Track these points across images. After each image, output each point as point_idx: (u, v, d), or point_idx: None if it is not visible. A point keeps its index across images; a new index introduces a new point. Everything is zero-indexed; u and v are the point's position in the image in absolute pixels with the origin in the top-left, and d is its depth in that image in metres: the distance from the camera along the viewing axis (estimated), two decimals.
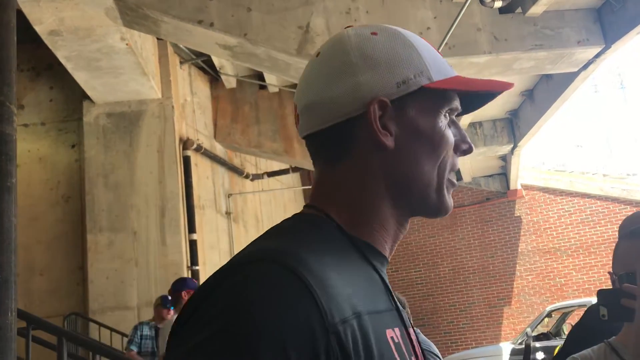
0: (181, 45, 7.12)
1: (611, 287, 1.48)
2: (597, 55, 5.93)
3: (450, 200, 0.81)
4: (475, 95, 0.84)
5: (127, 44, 5.52)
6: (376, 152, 0.75)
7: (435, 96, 0.77)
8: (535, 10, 5.54)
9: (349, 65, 0.76)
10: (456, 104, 0.80)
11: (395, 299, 0.78)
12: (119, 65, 5.95)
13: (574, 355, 1.57)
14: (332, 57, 0.78)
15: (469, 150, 0.82)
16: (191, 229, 6.87)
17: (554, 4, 5.58)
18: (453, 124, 0.81)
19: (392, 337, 0.69)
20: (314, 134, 0.79)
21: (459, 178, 12.87)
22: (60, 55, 5.53)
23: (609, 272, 1.54)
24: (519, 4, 5.62)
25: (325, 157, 0.79)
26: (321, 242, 0.71)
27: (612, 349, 1.52)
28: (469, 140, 0.82)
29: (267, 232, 0.74)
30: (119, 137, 6.92)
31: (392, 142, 0.75)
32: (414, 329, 0.82)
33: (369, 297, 0.69)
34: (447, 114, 0.79)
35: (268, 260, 0.63)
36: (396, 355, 0.67)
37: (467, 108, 0.86)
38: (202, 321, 0.60)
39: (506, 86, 0.80)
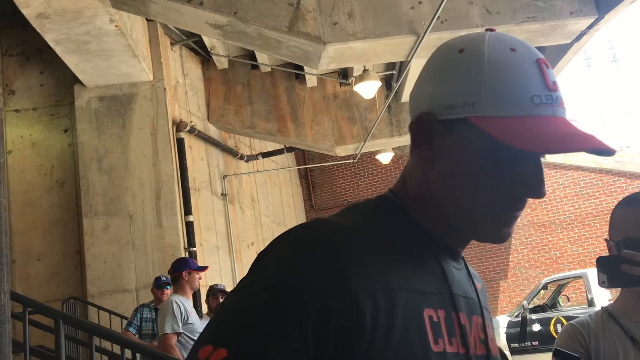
0: (171, 26, 7.05)
1: (609, 255, 1.49)
2: (590, 27, 5.90)
3: (498, 232, 0.79)
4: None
5: (116, 26, 5.46)
6: (423, 158, 0.81)
7: (483, 132, 0.73)
8: None
9: (425, 74, 0.82)
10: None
11: (462, 288, 0.83)
12: (108, 48, 5.89)
13: (572, 322, 1.59)
14: (428, 59, 0.84)
15: (531, 196, 0.77)
16: (187, 210, 6.88)
17: None
18: (525, 158, 0.75)
19: (430, 316, 0.74)
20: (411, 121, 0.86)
21: None
22: (49, 38, 5.47)
23: (605, 239, 1.55)
24: None
25: (411, 145, 0.84)
26: (379, 224, 0.79)
27: (609, 315, 1.53)
28: (536, 184, 0.76)
29: (347, 207, 0.84)
30: (112, 120, 6.87)
31: (430, 155, 0.79)
32: (483, 319, 0.86)
33: (412, 278, 0.75)
34: (505, 149, 0.73)
35: (316, 228, 0.74)
36: (429, 332, 0.73)
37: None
38: (269, 261, 0.74)
39: (570, 147, 0.72)
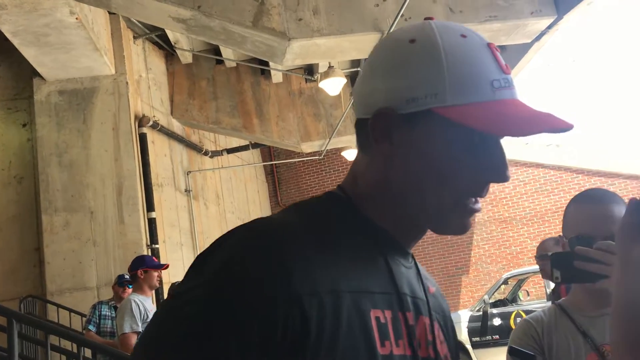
0: (134, 20, 6.94)
1: (563, 251, 1.51)
2: (550, 26, 6.02)
3: (461, 223, 0.79)
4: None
5: (76, 18, 5.34)
6: (382, 156, 0.79)
7: (448, 122, 0.73)
8: None
9: (376, 68, 0.79)
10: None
11: (410, 288, 0.81)
12: (69, 41, 5.76)
13: (526, 317, 1.62)
14: (373, 53, 0.82)
15: (497, 181, 0.77)
16: (150, 207, 6.78)
17: None
18: (488, 144, 0.76)
19: (377, 317, 0.72)
20: (356, 119, 0.84)
21: None
22: (6, 30, 5.32)
23: (559, 236, 1.58)
24: None
25: (358, 143, 0.83)
26: (326, 222, 0.77)
27: (562, 310, 1.57)
28: (503, 172, 0.76)
29: (292, 205, 0.81)
30: (72, 115, 6.73)
31: (392, 151, 0.77)
32: (431, 319, 0.84)
33: (359, 278, 0.73)
34: (472, 137, 0.74)
35: (256, 229, 0.72)
36: (375, 334, 0.71)
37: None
38: (208, 267, 0.70)
39: (535, 129, 0.72)
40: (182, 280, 0.72)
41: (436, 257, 12.99)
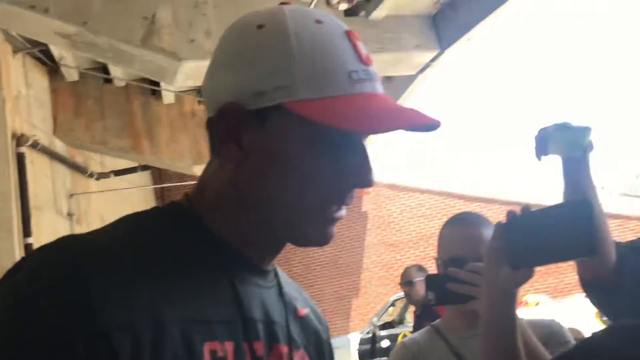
0: (13, 33, 6.55)
1: (437, 273, 1.57)
2: (433, 60, 6.37)
3: (322, 234, 0.71)
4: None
5: None
6: (230, 159, 0.70)
7: (302, 118, 0.65)
8: (378, 14, 5.82)
9: (219, 59, 0.72)
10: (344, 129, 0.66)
11: (265, 312, 0.72)
12: None
13: (403, 340, 1.67)
14: (221, 40, 0.74)
15: (363, 185, 0.70)
16: (27, 232, 6.35)
17: (394, 9, 5.90)
18: (349, 146, 0.69)
19: (214, 351, 0.63)
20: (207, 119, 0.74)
21: None
22: None
23: (434, 258, 1.64)
24: (363, 7, 5.87)
25: (209, 147, 0.74)
26: (157, 237, 0.67)
27: (437, 332, 1.63)
28: (367, 175, 0.69)
29: (121, 218, 0.73)
30: None
31: (238, 154, 0.68)
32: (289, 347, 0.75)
33: (192, 305, 0.63)
34: (330, 137, 0.66)
35: (54, 246, 0.62)
36: None
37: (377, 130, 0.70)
38: None
39: (397, 125, 0.66)
40: None
41: (325, 279, 13.14)
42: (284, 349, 0.73)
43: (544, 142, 1.51)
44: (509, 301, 1.15)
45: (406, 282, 5.25)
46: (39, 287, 0.58)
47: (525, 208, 1.11)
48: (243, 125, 0.68)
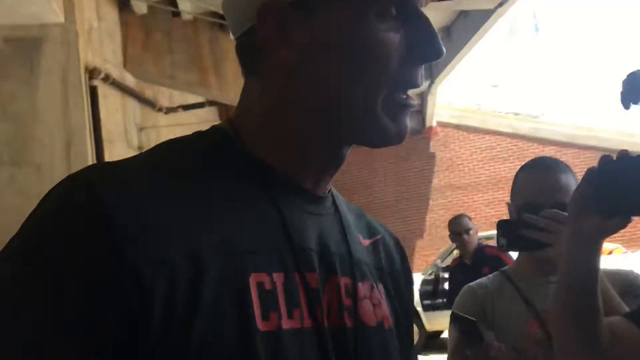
0: None
1: (510, 219, 1.52)
2: None
3: (397, 125, 0.64)
4: None
5: None
6: (280, 68, 0.63)
7: None
8: None
9: None
10: None
11: (320, 241, 0.65)
12: None
13: (471, 284, 1.62)
14: None
15: (432, 57, 0.64)
16: (99, 163, 6.60)
17: None
18: (411, 19, 0.63)
19: (261, 283, 0.57)
20: (236, 41, 0.68)
21: None
22: None
23: (507, 203, 1.58)
24: None
25: (243, 68, 0.69)
26: (192, 163, 0.61)
27: (507, 278, 1.57)
28: (436, 42, 0.63)
29: (160, 144, 0.67)
30: (19, 64, 6.43)
31: (294, 55, 0.62)
32: (354, 280, 0.67)
33: (234, 234, 0.57)
34: (392, 8, 0.61)
35: (73, 177, 0.57)
36: (255, 305, 0.55)
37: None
38: (21, 230, 0.57)
39: None
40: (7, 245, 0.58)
41: (391, 220, 13.13)
42: (344, 280, 0.66)
43: (635, 88, 1.37)
44: (594, 251, 1.08)
45: (465, 229, 5.13)
46: (60, 219, 0.54)
47: (623, 152, 1.02)
48: (289, 21, 0.61)
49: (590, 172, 1.05)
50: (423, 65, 0.65)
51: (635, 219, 1.02)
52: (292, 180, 0.65)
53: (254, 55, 0.65)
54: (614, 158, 1.04)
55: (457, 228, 5.20)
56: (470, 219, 5.42)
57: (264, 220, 0.61)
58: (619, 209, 1.02)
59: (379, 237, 0.77)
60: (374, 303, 0.68)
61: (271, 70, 0.64)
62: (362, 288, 0.68)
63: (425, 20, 0.63)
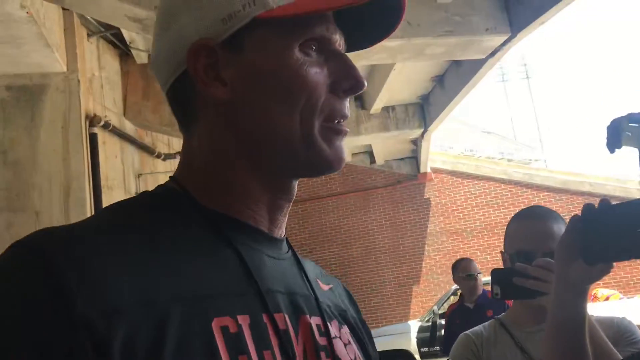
0: (88, 17, 6.79)
1: (503, 267, 1.53)
2: (504, 44, 6.17)
3: (334, 150, 0.65)
4: (354, 17, 0.67)
5: (27, 13, 5.18)
6: (216, 107, 0.65)
7: (281, 27, 0.63)
8: None
9: (167, 12, 0.67)
10: (320, 31, 0.64)
11: (283, 283, 0.65)
12: (18, 35, 5.58)
13: (467, 332, 1.64)
14: (160, 4, 0.69)
15: (355, 87, 0.66)
16: (98, 209, 6.61)
17: None
18: (331, 57, 0.66)
19: (225, 327, 0.55)
20: (166, 94, 0.69)
21: (372, 161, 13.11)
22: None
23: (500, 252, 1.60)
24: None
25: (178, 121, 0.70)
26: (142, 219, 0.61)
27: (501, 325, 1.59)
28: (355, 74, 0.66)
29: (106, 207, 0.66)
30: (20, 111, 6.52)
31: (227, 92, 0.64)
32: (322, 318, 0.68)
33: (196, 281, 0.56)
34: (313, 46, 0.64)
35: (20, 242, 0.56)
36: (221, 349, 0.54)
37: (362, 41, 0.71)
38: None
39: None
40: None
41: (388, 266, 13.08)
42: (315, 320, 0.65)
43: (617, 134, 1.43)
44: (580, 298, 1.11)
45: (467, 275, 5.11)
46: (10, 284, 0.52)
47: (604, 201, 1.06)
48: (221, 58, 0.64)
49: (574, 220, 1.08)
50: (349, 97, 0.67)
51: (633, 264, 1.05)
52: (247, 224, 0.65)
53: (187, 102, 0.66)
54: (595, 206, 1.06)
55: (467, 271, 5.12)
56: (472, 261, 5.40)
57: (223, 265, 0.60)
58: (601, 256, 1.04)
59: (332, 285, 0.77)
60: (345, 342, 0.69)
61: (206, 111, 0.66)
62: (332, 328, 0.68)
63: (344, 57, 0.66)
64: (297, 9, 0.61)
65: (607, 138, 1.45)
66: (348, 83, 0.65)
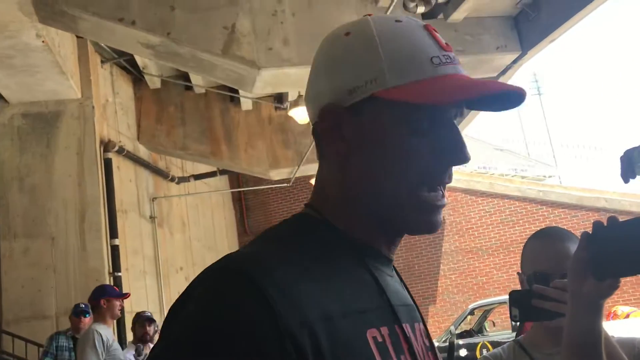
0: (102, 44, 6.90)
1: (521, 289, 1.53)
2: (515, 61, 6.18)
3: (428, 220, 0.74)
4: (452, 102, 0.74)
5: (43, 42, 5.28)
6: (336, 156, 0.76)
7: (393, 104, 0.71)
8: (457, 16, 5.71)
9: (316, 69, 0.79)
10: (432, 108, 0.72)
11: (399, 297, 0.78)
12: (34, 64, 5.68)
13: (485, 354, 1.62)
14: (316, 53, 0.80)
15: (459, 161, 0.74)
16: (113, 234, 6.65)
17: (473, 11, 5.77)
18: (442, 126, 0.73)
19: (374, 337, 0.68)
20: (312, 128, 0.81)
21: None
22: None
23: (517, 273, 1.59)
24: (441, 10, 5.78)
25: (317, 153, 0.81)
26: (302, 245, 0.72)
27: (520, 347, 1.57)
28: (459, 148, 0.73)
29: (261, 234, 0.76)
30: (36, 138, 6.61)
31: (345, 147, 0.74)
32: (423, 323, 0.83)
33: (348, 298, 0.68)
34: (422, 123, 0.72)
35: (227, 268, 0.65)
36: (376, 356, 0.66)
37: (476, 106, 0.78)
38: (177, 323, 0.65)
39: (479, 91, 0.72)
40: (155, 343, 0.67)
41: None
42: (421, 326, 0.80)
43: (631, 164, 1.44)
44: (594, 314, 1.10)
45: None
46: (221, 310, 0.62)
47: (612, 218, 1.06)
48: (344, 121, 0.74)
49: (584, 237, 1.09)
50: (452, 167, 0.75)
51: None
52: (373, 248, 0.77)
53: (319, 144, 0.78)
54: (604, 223, 1.07)
55: None
56: None
57: (364, 285, 0.72)
58: (610, 272, 1.06)
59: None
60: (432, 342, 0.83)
61: (331, 157, 0.77)
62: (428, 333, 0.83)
63: (455, 130, 0.74)
64: (409, 96, 0.70)
65: (622, 168, 1.46)
66: (453, 157, 0.74)
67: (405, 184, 0.73)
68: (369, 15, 0.80)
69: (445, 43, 0.75)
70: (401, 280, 0.84)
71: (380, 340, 0.68)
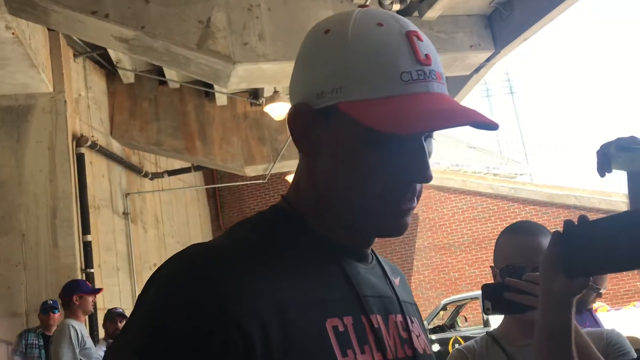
0: (75, 37, 6.79)
1: (494, 282, 1.55)
2: (488, 60, 6.26)
3: (394, 225, 0.73)
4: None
5: (12, 34, 5.17)
6: (305, 156, 0.77)
7: (354, 120, 0.69)
8: (431, 14, 5.76)
9: (296, 64, 0.77)
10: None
11: (374, 289, 0.77)
12: (4, 56, 5.56)
13: (459, 347, 1.65)
14: (299, 48, 0.79)
15: (417, 180, 0.72)
16: (85, 230, 6.56)
17: (448, 9, 5.83)
18: (405, 146, 0.70)
19: (335, 326, 0.68)
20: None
21: None
22: None
23: (490, 266, 1.62)
24: (416, 7, 5.82)
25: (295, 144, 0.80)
26: (269, 236, 0.72)
27: (493, 340, 1.60)
28: (420, 169, 0.70)
29: (235, 224, 0.77)
30: (5, 132, 6.48)
31: (312, 150, 0.74)
32: (420, 319, 0.84)
33: (309, 289, 0.69)
34: (385, 138, 0.69)
35: (186, 256, 0.67)
36: (334, 344, 0.66)
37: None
38: (137, 309, 0.68)
39: (444, 124, 0.66)
40: (123, 326, 0.70)
41: None
42: (398, 317, 0.79)
43: (607, 159, 1.46)
44: (565, 310, 1.13)
45: None
46: (177, 294, 0.64)
47: (583, 217, 1.08)
48: (311, 122, 0.73)
49: (556, 235, 1.10)
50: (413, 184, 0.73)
51: (619, 276, 1.07)
52: (341, 244, 0.76)
53: (294, 136, 0.78)
54: (575, 222, 1.08)
55: None
56: None
57: (331, 277, 0.72)
58: (580, 270, 1.07)
59: (399, 278, 0.90)
60: (416, 334, 0.81)
61: (302, 154, 0.78)
62: (410, 323, 0.81)
63: (418, 149, 0.71)
64: (368, 119, 0.66)
65: (597, 163, 1.48)
66: (413, 177, 0.71)
67: (367, 195, 0.71)
68: (360, 7, 0.77)
69: (425, 55, 0.69)
70: (384, 273, 0.83)
71: (341, 329, 0.68)
